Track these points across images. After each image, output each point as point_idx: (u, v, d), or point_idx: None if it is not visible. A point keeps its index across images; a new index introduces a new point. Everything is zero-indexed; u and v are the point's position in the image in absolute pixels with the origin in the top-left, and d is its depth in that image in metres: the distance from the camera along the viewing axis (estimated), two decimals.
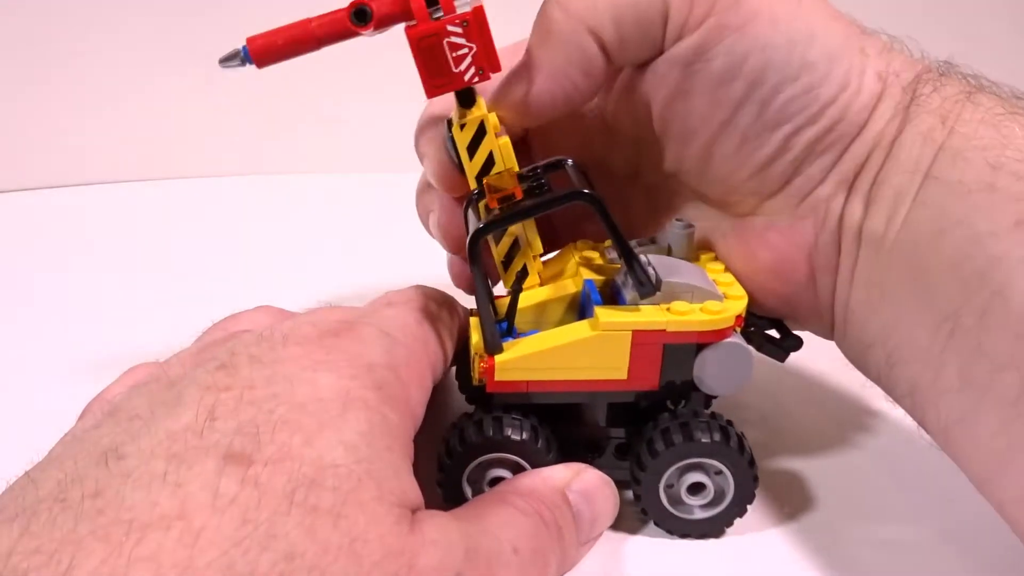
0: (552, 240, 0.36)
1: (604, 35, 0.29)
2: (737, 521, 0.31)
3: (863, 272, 0.29)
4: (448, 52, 0.29)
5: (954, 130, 0.27)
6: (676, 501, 0.31)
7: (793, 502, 0.33)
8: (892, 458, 0.36)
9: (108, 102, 0.69)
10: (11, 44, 0.66)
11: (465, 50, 0.29)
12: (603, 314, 0.30)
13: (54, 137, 0.68)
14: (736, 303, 0.31)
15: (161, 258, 0.55)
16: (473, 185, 0.32)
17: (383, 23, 0.29)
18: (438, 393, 0.31)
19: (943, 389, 0.26)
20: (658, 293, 0.30)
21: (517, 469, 0.30)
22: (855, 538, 0.32)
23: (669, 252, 0.33)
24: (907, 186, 0.27)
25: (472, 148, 0.31)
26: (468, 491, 0.31)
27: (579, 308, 0.32)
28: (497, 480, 0.30)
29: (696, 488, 0.31)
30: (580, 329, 0.30)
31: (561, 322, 0.32)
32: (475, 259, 0.29)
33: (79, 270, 0.53)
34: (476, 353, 0.30)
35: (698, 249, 0.34)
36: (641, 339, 0.30)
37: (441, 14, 0.29)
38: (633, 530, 0.32)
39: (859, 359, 0.31)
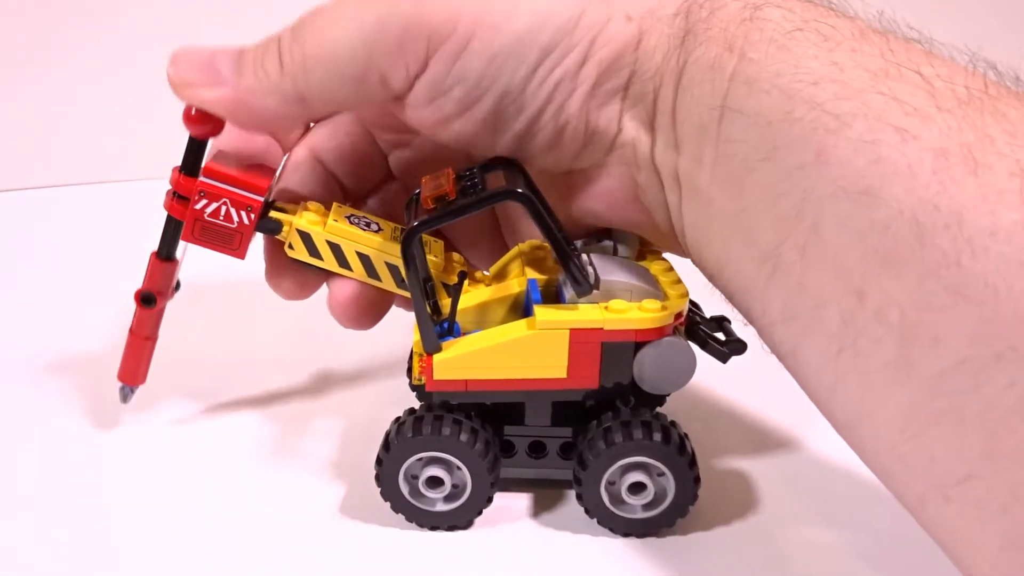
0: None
1: (313, 105, 0.29)
2: (680, 520, 0.31)
3: (688, 212, 0.29)
4: (218, 223, 0.31)
5: (744, 56, 0.26)
6: (617, 500, 0.31)
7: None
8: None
9: (107, 102, 0.70)
10: (11, 44, 0.67)
11: (222, 207, 0.31)
12: (540, 313, 0.30)
13: (54, 137, 0.69)
14: (676, 302, 0.31)
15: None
16: (363, 277, 0.33)
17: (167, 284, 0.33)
18: None
19: (771, 322, 0.26)
20: (597, 292, 0.30)
21: (454, 469, 0.30)
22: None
23: (615, 251, 0.33)
24: (707, 121, 0.27)
25: (314, 253, 0.32)
26: (405, 488, 0.31)
27: (523, 308, 0.32)
28: (434, 480, 0.31)
29: (637, 488, 0.31)
30: (517, 328, 0.30)
31: (504, 322, 0.32)
32: (408, 259, 0.29)
33: (79, 270, 0.54)
34: (416, 352, 0.30)
35: (645, 248, 0.34)
36: (579, 338, 0.30)
37: (188, 199, 0.31)
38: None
39: (713, 284, 0.30)
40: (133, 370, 0.35)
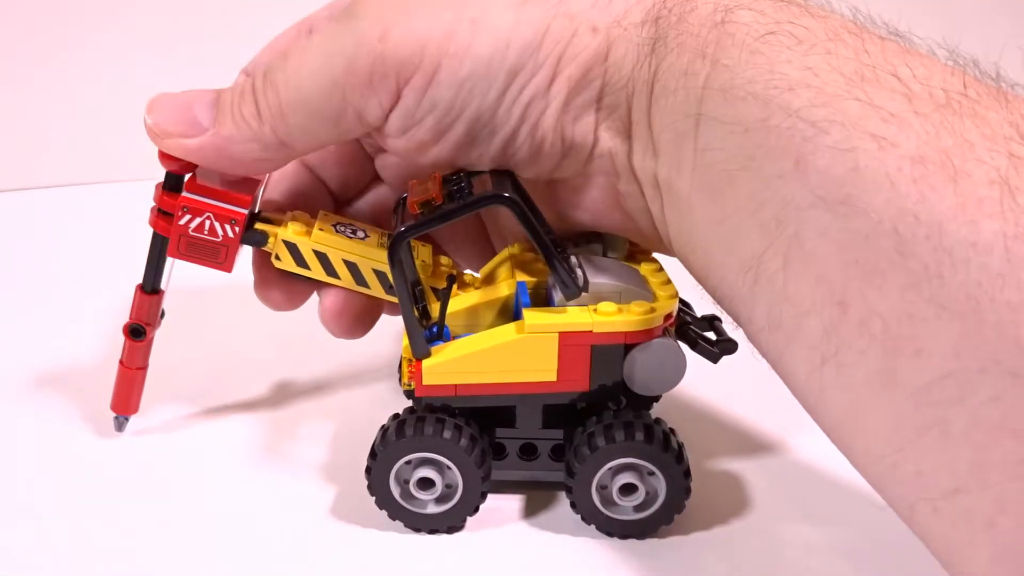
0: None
1: (296, 147, 0.30)
2: (677, 517, 0.31)
3: (672, 219, 0.28)
4: (203, 237, 0.31)
5: (717, 62, 0.25)
6: (609, 502, 0.31)
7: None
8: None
9: (106, 102, 0.70)
10: (10, 45, 0.68)
11: (206, 221, 0.31)
12: (529, 316, 0.30)
13: (54, 137, 0.69)
14: (666, 303, 0.31)
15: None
16: (351, 284, 0.32)
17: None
18: None
19: (757, 328, 0.26)
20: (586, 294, 0.30)
21: (444, 470, 0.31)
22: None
23: (605, 253, 0.33)
24: (684, 129, 0.26)
25: (301, 263, 0.32)
26: (396, 490, 0.31)
27: (512, 311, 0.32)
28: (425, 481, 0.31)
29: (628, 489, 0.31)
30: (507, 332, 0.30)
31: (493, 325, 0.32)
32: (395, 264, 0.29)
33: (78, 270, 0.54)
34: (405, 357, 0.30)
35: (635, 249, 0.34)
36: (568, 340, 0.30)
37: (172, 215, 0.31)
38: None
39: (703, 287, 0.30)
40: (125, 400, 0.35)
